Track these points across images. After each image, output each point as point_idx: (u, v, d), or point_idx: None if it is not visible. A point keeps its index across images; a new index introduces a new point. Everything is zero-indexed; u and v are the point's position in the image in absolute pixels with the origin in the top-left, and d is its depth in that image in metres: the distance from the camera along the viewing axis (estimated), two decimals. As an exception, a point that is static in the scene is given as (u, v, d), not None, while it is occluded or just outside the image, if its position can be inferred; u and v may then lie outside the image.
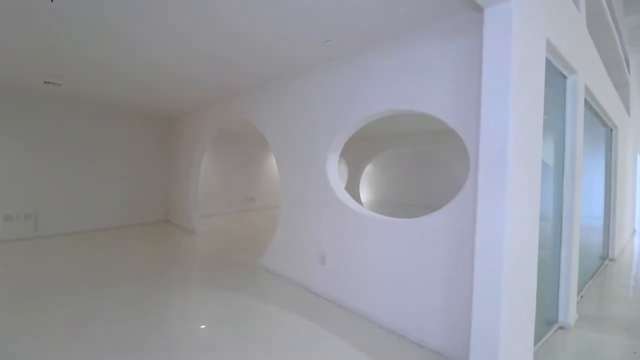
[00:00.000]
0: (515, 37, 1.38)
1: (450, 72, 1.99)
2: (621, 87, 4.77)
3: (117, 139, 5.48)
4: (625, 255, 4.64)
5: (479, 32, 1.85)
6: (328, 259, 2.77)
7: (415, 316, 2.11)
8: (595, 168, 3.83)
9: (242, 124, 6.22)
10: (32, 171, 4.53)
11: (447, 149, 7.28)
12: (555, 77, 2.23)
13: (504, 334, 1.38)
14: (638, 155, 6.87)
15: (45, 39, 2.59)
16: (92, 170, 5.16)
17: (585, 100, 2.67)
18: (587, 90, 2.63)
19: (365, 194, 11.36)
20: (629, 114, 5.15)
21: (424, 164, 9.75)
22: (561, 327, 2.32)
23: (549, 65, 1.94)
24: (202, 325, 2.28)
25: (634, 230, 6.66)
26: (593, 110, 3.22)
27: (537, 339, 2.05)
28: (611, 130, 4.29)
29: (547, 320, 2.28)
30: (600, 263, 3.96)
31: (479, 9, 1.72)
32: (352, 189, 8.80)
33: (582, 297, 2.93)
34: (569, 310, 2.33)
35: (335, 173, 2.88)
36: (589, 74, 2.61)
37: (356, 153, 8.87)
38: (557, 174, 2.35)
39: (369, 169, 11.23)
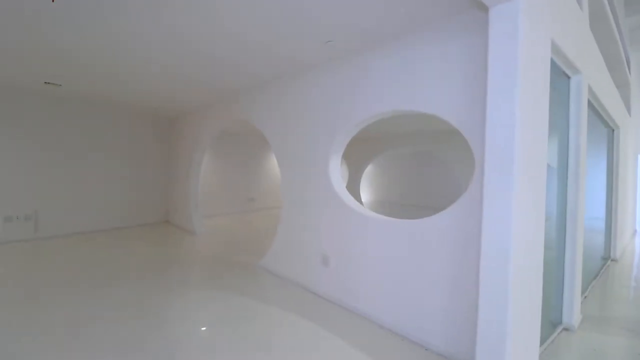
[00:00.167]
0: (522, 37, 1.37)
1: (453, 72, 1.98)
2: (622, 87, 4.77)
3: (117, 140, 5.46)
4: (627, 256, 4.63)
5: (482, 32, 1.84)
6: (330, 260, 2.75)
7: (419, 317, 2.10)
8: (596, 168, 3.83)
9: (242, 124, 6.20)
10: (32, 172, 4.51)
11: (447, 149, 7.27)
12: (559, 77, 2.22)
13: (511, 336, 1.36)
14: (639, 155, 6.86)
15: (46, 40, 2.57)
16: (92, 171, 5.14)
17: (588, 100, 2.66)
18: (590, 90, 2.62)
19: (365, 194, 11.35)
20: (629, 114, 5.15)
21: (424, 164, 9.73)
22: (565, 329, 2.31)
23: (552, 65, 1.92)
24: (202, 327, 2.27)
25: (635, 231, 6.65)
26: (595, 110, 3.21)
27: (542, 340, 2.03)
28: (612, 130, 4.28)
29: (551, 321, 2.27)
30: (602, 264, 3.95)
31: (484, 9, 1.71)
32: (353, 189, 8.79)
33: (585, 298, 2.91)
34: (573, 311, 2.31)
35: (338, 174, 2.87)
36: (592, 74, 2.60)
37: (357, 153, 8.86)
38: (561, 174, 2.33)
39: (369, 170, 11.21)
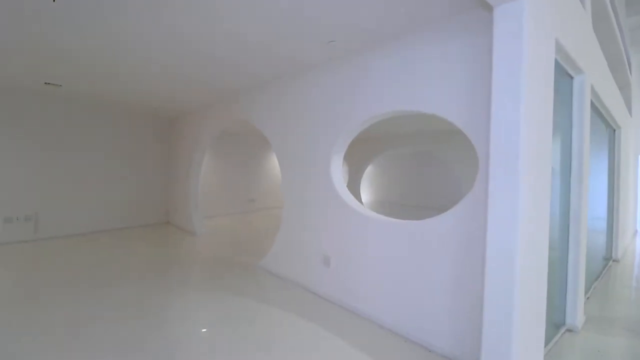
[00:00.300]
0: (526, 36, 1.36)
1: (455, 72, 1.97)
2: (623, 88, 4.76)
3: (117, 140, 5.44)
4: (628, 256, 4.62)
5: (483, 32, 1.84)
6: (331, 260, 2.74)
7: (422, 319, 2.09)
8: (597, 168, 3.81)
9: (241, 124, 6.19)
10: (32, 173, 4.50)
11: (447, 149, 7.26)
12: (562, 77, 2.21)
13: (516, 337, 1.35)
14: (639, 155, 6.86)
15: (46, 40, 2.56)
16: (92, 171, 5.13)
17: (590, 101, 2.65)
18: (593, 90, 2.61)
19: (365, 195, 11.34)
20: (630, 115, 5.15)
21: (424, 164, 9.73)
22: (569, 330, 2.30)
23: (556, 64, 1.91)
24: (203, 328, 2.26)
25: (636, 231, 6.64)
26: (597, 111, 3.20)
27: (546, 341, 2.02)
28: (614, 130, 4.27)
29: (554, 322, 2.25)
30: (604, 264, 3.94)
31: (488, 8, 1.70)
32: (353, 189, 8.78)
33: (588, 298, 2.90)
34: (576, 312, 2.30)
35: (339, 174, 2.85)
36: (594, 74, 2.60)
37: (357, 154, 8.85)
38: (564, 175, 2.32)
39: (369, 170, 11.21)
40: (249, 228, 6.02)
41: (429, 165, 9.59)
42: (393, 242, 2.28)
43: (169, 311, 2.47)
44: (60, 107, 4.74)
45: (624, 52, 4.24)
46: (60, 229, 4.76)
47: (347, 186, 3.05)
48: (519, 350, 1.37)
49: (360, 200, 8.85)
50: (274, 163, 8.62)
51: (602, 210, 4.02)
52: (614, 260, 4.21)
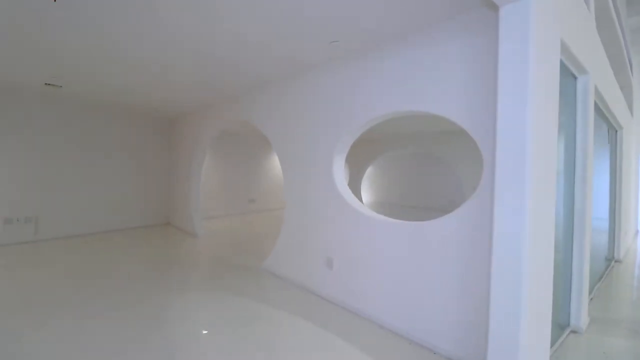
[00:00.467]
0: (533, 36, 1.35)
1: (456, 72, 1.96)
2: (625, 88, 4.76)
3: (117, 141, 5.43)
4: (630, 256, 4.61)
5: (485, 32, 1.83)
6: (334, 262, 2.73)
7: (426, 320, 2.07)
8: (599, 169, 3.81)
9: (241, 124, 6.18)
10: (32, 174, 4.48)
11: (447, 150, 7.27)
12: (566, 77, 2.20)
13: (524, 338, 1.34)
14: (640, 156, 6.85)
15: (46, 40, 2.54)
16: (92, 172, 5.11)
17: (594, 101, 2.64)
18: (596, 91, 2.60)
19: (365, 195, 11.33)
20: (632, 115, 5.14)
21: (424, 165, 9.73)
22: (573, 331, 2.29)
23: (560, 64, 1.91)
24: (203, 328, 2.25)
25: (637, 231, 6.64)
26: (600, 111, 3.19)
27: (551, 343, 2.00)
28: (616, 131, 4.27)
29: (559, 323, 2.24)
30: (606, 265, 3.93)
31: (494, 8, 1.69)
32: (354, 190, 8.77)
33: (591, 299, 2.89)
34: (581, 313, 2.29)
35: (342, 175, 2.84)
36: (598, 75, 2.59)
37: (358, 155, 8.85)
38: (568, 176, 2.31)
39: (369, 171, 11.20)
40: (250, 229, 6.00)
41: (428, 166, 9.59)
42: (397, 244, 2.27)
43: (169, 312, 2.46)
44: (60, 108, 4.72)
45: (625, 53, 4.24)
46: (60, 230, 4.74)
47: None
48: (525, 351, 1.36)
49: (360, 201, 8.84)
50: (274, 163, 8.61)
51: (604, 210, 4.01)
52: (616, 261, 4.20)
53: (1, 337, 2.05)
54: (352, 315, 2.50)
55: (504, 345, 1.39)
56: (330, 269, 2.75)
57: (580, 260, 2.30)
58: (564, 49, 1.83)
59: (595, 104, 2.83)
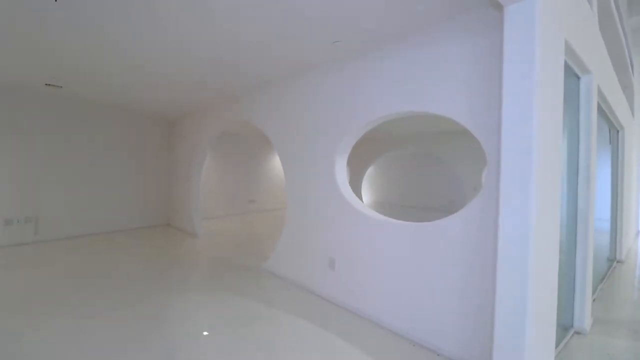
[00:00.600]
0: (537, 35, 1.34)
1: (461, 72, 1.95)
2: (626, 88, 4.75)
3: (117, 142, 5.41)
4: (632, 257, 4.60)
5: (485, 32, 1.82)
6: (335, 262, 2.71)
7: (429, 322, 2.06)
8: (600, 169, 3.79)
9: (241, 124, 6.17)
10: (32, 174, 4.46)
11: (447, 149, 7.26)
12: (569, 77, 2.19)
13: (529, 339, 1.33)
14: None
15: (46, 40, 2.53)
16: (92, 173, 5.09)
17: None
18: (599, 91, 2.59)
19: (365, 196, 11.32)
20: (633, 116, 5.14)
21: (424, 165, 9.72)
22: (577, 332, 2.27)
23: (564, 64, 1.90)
24: (203, 329, 2.24)
25: (638, 231, 6.63)
26: (602, 111, 3.19)
27: (555, 344, 1.99)
28: (617, 131, 4.26)
29: (563, 325, 2.23)
30: (609, 265, 3.92)
31: (499, 7, 1.68)
32: (355, 190, 8.75)
33: (594, 300, 2.88)
34: (584, 314, 2.28)
35: (344, 175, 2.83)
36: (600, 75, 2.58)
37: (358, 155, 8.83)
38: (571, 176, 2.30)
39: (369, 171, 11.19)
40: (250, 229, 5.98)
41: (428, 166, 9.59)
42: (399, 244, 2.26)
43: (170, 312, 2.45)
44: (60, 108, 4.70)
45: (627, 53, 4.23)
46: (60, 231, 4.72)
47: (349, 187, 3.01)
48: (531, 352, 1.35)
49: (361, 201, 8.83)
50: (274, 163, 8.59)
51: (605, 210, 4.00)
52: (618, 261, 4.19)
53: (1, 337, 2.04)
54: (353, 315, 2.48)
55: (509, 347, 1.37)
56: (333, 269, 2.73)
57: (583, 261, 2.29)
58: (568, 48, 1.81)
59: (598, 104, 2.82)
